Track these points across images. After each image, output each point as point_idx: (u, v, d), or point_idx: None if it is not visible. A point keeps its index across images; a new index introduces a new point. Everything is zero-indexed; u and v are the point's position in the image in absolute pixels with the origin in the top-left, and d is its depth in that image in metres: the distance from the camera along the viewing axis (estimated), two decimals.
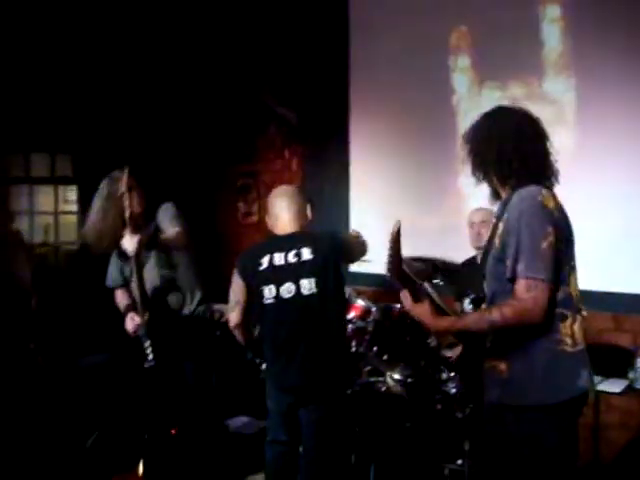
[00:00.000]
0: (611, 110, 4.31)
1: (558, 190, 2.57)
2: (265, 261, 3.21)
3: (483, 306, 2.62)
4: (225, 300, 4.11)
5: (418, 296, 2.51)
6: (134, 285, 3.88)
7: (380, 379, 4.00)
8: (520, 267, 2.33)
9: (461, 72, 5.18)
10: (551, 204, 2.43)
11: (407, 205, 5.44)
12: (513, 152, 2.50)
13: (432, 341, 3.84)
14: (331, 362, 3.15)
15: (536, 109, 4.48)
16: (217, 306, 4.32)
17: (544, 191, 2.46)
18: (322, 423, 3.19)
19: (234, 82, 6.41)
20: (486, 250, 2.60)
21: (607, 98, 4.34)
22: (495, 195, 2.67)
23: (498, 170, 2.55)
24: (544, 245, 2.33)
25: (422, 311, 2.49)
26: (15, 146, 6.12)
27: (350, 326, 3.99)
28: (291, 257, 3.15)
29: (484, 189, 4.98)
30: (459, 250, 4.26)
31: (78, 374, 5.13)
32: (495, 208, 2.70)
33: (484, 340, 2.54)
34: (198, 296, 4.06)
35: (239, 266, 3.34)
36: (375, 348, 3.94)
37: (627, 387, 4.24)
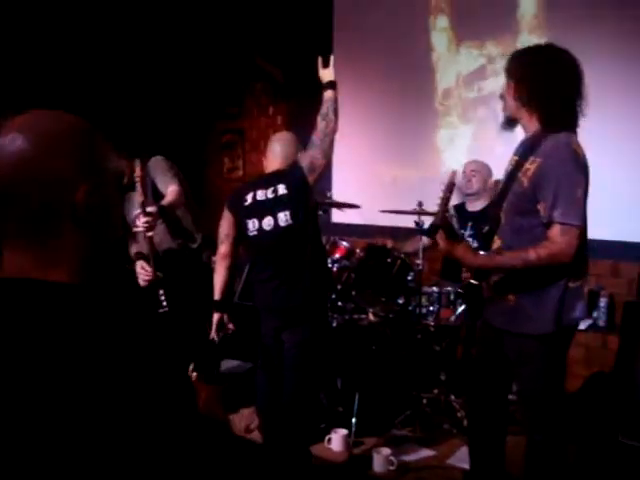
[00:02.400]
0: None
1: None
2: (249, 197, 3.47)
3: (495, 238, 2.78)
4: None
5: (455, 238, 2.72)
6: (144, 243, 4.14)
7: (363, 316, 4.31)
8: (557, 213, 2.48)
9: (440, 31, 5.43)
10: (581, 152, 2.57)
11: (387, 158, 5.72)
12: (569, 92, 2.61)
13: (412, 278, 4.15)
14: (310, 286, 3.41)
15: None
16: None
17: (575, 138, 2.60)
18: (303, 345, 3.44)
19: (221, 40, 6.59)
20: (504, 187, 2.74)
21: (577, 55, 4.60)
22: (509, 124, 2.77)
23: (546, 104, 2.61)
24: (579, 193, 2.51)
25: (461, 250, 2.66)
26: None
27: (335, 265, 4.29)
28: (270, 193, 3.42)
29: (458, 144, 5.31)
30: (434, 200, 4.50)
31: None
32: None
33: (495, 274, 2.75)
34: (198, 241, 4.31)
35: (228, 202, 3.59)
36: (359, 286, 4.23)
37: (591, 325, 4.61)
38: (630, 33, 4.50)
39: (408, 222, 4.42)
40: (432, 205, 4.29)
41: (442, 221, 2.72)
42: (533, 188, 2.56)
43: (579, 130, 2.66)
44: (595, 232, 4.60)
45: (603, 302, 4.60)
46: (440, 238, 2.70)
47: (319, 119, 3.40)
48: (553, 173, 2.51)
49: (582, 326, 4.55)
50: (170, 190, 4.09)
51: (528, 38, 4.87)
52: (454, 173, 2.85)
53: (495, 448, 3.02)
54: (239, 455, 3.85)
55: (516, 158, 2.72)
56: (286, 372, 3.51)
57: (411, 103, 5.57)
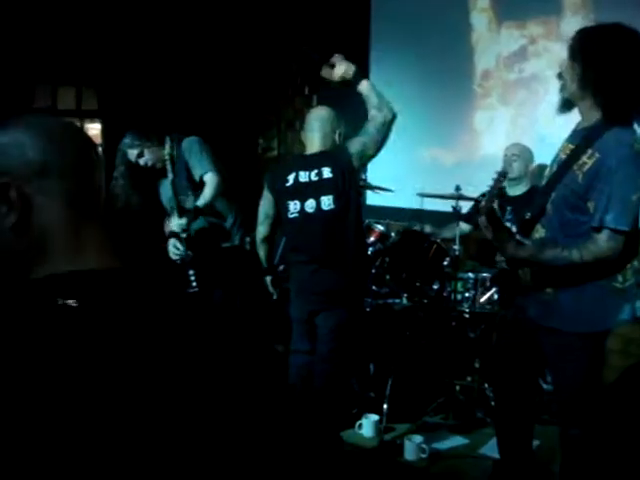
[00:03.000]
0: None
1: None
2: (291, 178, 3.40)
3: (538, 227, 2.65)
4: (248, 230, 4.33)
5: (500, 229, 2.61)
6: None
7: (397, 300, 4.25)
8: (609, 217, 2.35)
9: (480, 12, 5.30)
10: None
11: (425, 140, 5.62)
12: (631, 80, 2.39)
13: (448, 263, 4.08)
14: (351, 272, 3.36)
15: (555, 48, 4.73)
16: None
17: (637, 135, 2.43)
18: (337, 329, 3.40)
19: (254, 19, 6.51)
20: (556, 176, 2.59)
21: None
22: (566, 106, 2.58)
23: (614, 94, 2.40)
24: (634, 198, 2.37)
25: (504, 239, 2.58)
26: (42, 78, 6.26)
27: (370, 249, 4.23)
28: (313, 175, 3.35)
29: (496, 127, 5.20)
30: (472, 184, 4.40)
31: None
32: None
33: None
34: (230, 221, 4.27)
35: (269, 182, 3.54)
36: (393, 270, 4.17)
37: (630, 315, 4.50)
38: None
39: (445, 207, 4.34)
40: (470, 190, 4.26)
41: (488, 207, 2.60)
42: (587, 185, 2.41)
43: None
44: None
45: None
46: (483, 224, 2.59)
47: (373, 112, 3.30)
48: (611, 174, 2.35)
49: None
50: (208, 180, 4.01)
51: (572, 18, 4.74)
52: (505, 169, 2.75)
53: (523, 438, 2.95)
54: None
55: (572, 147, 2.53)
56: (319, 356, 3.47)
57: (449, 84, 5.46)
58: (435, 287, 4.12)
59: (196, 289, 4.13)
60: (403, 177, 5.41)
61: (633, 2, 4.43)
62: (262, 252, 3.69)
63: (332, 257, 3.35)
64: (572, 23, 4.70)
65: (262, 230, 3.62)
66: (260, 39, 6.60)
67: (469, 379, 4.19)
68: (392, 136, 5.65)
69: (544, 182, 2.71)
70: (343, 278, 3.35)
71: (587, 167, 2.42)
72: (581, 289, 2.51)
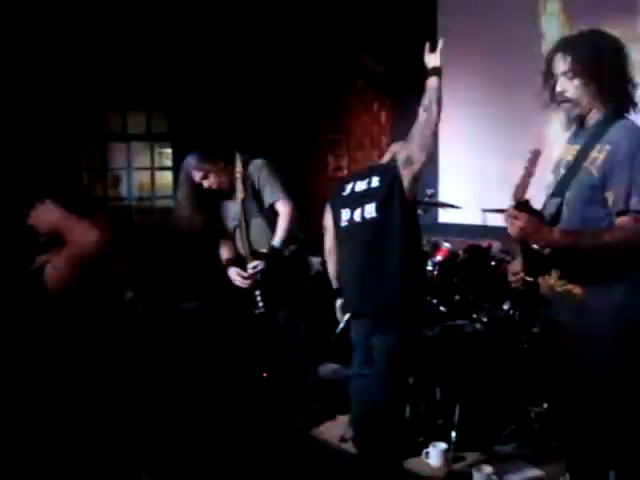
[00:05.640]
0: None
1: None
2: (348, 187, 3.37)
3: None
4: (316, 252, 4.22)
5: (534, 214, 2.47)
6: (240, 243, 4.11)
7: (466, 322, 4.03)
8: (633, 201, 2.35)
9: (551, 16, 5.08)
10: None
11: (494, 154, 5.40)
12: (624, 73, 2.52)
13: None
14: (400, 289, 3.19)
15: (631, 51, 4.46)
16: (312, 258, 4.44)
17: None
18: (392, 350, 3.24)
19: (321, 36, 6.44)
20: (566, 178, 2.56)
21: None
22: (571, 121, 2.63)
23: (603, 89, 2.50)
24: None
25: (533, 223, 2.42)
26: (112, 104, 6.34)
27: (437, 268, 4.05)
28: (364, 184, 3.29)
29: None
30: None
31: (172, 320, 5.31)
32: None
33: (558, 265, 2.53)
34: (299, 240, 4.17)
35: (331, 193, 3.53)
36: (461, 290, 3.98)
37: None
38: None
39: None
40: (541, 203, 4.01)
41: (520, 191, 2.47)
42: (603, 177, 2.43)
43: None
44: None
45: None
46: (522, 217, 2.40)
47: (420, 110, 3.19)
48: (627, 161, 2.38)
49: None
50: (281, 209, 3.96)
51: None
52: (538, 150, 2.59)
53: (596, 469, 2.70)
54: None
55: (577, 147, 2.57)
56: (373, 380, 3.31)
57: (520, 94, 5.21)
58: (506, 307, 3.90)
59: (262, 310, 4.04)
60: (475, 192, 5.21)
61: None
62: (330, 266, 3.60)
63: (378, 273, 3.20)
64: None
65: (328, 242, 3.57)
66: (327, 56, 6.52)
67: (545, 405, 3.93)
68: (464, 149, 5.51)
69: (553, 187, 2.65)
70: (392, 294, 3.19)
71: (600, 161, 2.45)
72: (610, 284, 2.42)
